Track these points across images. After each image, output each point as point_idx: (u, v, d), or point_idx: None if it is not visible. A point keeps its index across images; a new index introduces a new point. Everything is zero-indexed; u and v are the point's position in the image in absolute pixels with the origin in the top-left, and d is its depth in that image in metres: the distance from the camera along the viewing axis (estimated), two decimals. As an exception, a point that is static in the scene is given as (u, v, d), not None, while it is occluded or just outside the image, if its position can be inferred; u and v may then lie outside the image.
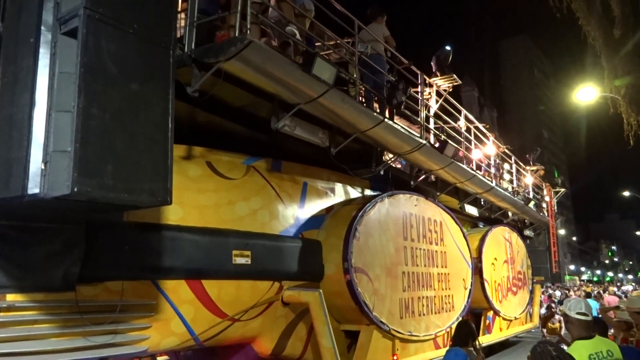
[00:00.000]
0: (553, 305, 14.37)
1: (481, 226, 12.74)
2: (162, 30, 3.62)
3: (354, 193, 7.85)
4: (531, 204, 12.51)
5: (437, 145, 7.36)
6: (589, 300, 16.87)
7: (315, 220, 6.98)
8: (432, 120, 8.03)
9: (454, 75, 8.44)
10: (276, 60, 4.49)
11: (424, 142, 6.91)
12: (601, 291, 21.54)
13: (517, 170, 12.56)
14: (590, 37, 13.99)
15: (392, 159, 7.23)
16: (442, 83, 8.52)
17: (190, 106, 5.10)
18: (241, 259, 5.65)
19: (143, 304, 4.90)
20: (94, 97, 3.10)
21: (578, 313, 3.71)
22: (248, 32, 4.14)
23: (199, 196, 5.56)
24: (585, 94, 14.23)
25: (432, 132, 7.83)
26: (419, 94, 7.18)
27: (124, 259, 4.69)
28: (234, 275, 5.58)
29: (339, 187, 7.56)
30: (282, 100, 5.29)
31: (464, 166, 8.59)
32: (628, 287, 31.52)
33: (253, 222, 6.01)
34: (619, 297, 15.14)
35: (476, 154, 9.99)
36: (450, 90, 8.74)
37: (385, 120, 6.05)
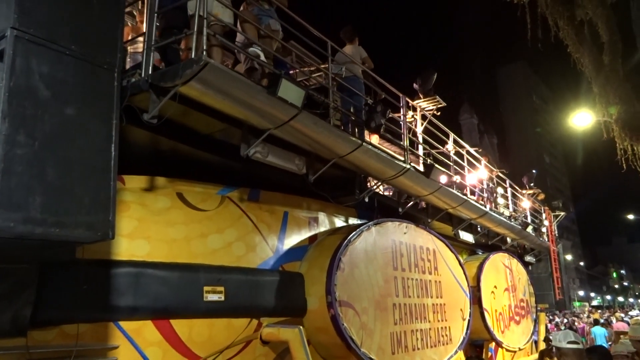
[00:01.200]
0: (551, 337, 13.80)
1: (480, 253, 12.34)
2: (105, 51, 3.39)
3: (339, 222, 7.53)
4: (529, 229, 12.13)
5: (423, 169, 7.06)
6: (597, 327, 16.31)
7: (297, 252, 6.65)
8: (420, 145, 7.77)
9: (438, 97, 8.20)
10: (237, 83, 4.25)
11: (408, 166, 6.62)
12: (611, 317, 20.92)
13: (513, 194, 12.23)
14: (579, 64, 13.95)
15: (376, 185, 6.93)
16: (425, 105, 8.30)
17: (156, 135, 4.84)
18: (213, 296, 5.30)
19: (103, 348, 4.54)
20: (20, 123, 2.84)
21: (570, 342, 3.67)
22: (204, 53, 3.91)
23: (167, 229, 5.26)
24: (581, 118, 14.05)
25: (418, 155, 7.55)
26: (402, 116, 6.93)
27: (81, 300, 4.37)
28: (205, 313, 5.22)
29: (322, 216, 7.24)
30: (251, 126, 5.04)
31: (454, 191, 8.28)
32: (635, 312, 30.69)
33: (227, 255, 5.68)
34: (628, 323, 14.58)
35: (468, 178, 9.68)
36: (437, 113, 8.52)
37: (364, 144, 5.77)
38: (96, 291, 4.47)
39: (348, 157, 5.93)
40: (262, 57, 5.09)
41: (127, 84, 4.22)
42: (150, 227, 5.13)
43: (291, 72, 7.63)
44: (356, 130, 6.26)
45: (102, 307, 4.55)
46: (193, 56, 3.96)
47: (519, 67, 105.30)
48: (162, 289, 4.92)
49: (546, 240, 14.39)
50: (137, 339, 4.76)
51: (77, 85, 3.19)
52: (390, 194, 8.81)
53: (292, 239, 6.63)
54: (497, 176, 11.28)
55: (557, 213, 16.04)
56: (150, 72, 4.21)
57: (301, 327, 5.67)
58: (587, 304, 73.25)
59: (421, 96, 8.19)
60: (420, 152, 8.30)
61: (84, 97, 3.22)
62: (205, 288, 5.26)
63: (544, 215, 14.44)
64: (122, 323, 4.69)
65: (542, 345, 9.31)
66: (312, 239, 6.95)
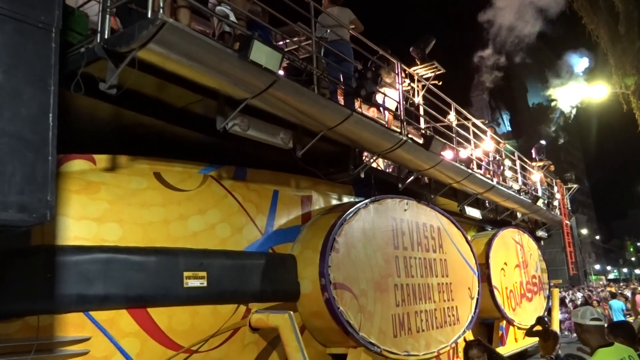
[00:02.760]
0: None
1: (489, 230, 11.88)
2: (39, 9, 2.96)
3: (335, 201, 7.10)
4: (540, 202, 11.61)
5: (422, 141, 6.58)
6: (615, 300, 15.82)
7: (289, 233, 6.25)
8: (419, 116, 7.25)
9: (436, 63, 7.66)
10: (203, 45, 3.80)
11: (404, 137, 6.15)
12: (628, 292, 20.40)
13: (522, 167, 11.69)
14: (594, 35, 13.29)
15: (373, 159, 6.47)
16: (423, 72, 7.77)
17: (119, 108, 4.43)
18: (195, 281, 4.93)
19: (72, 340, 4.19)
20: None
21: (593, 319, 3.61)
22: (161, 11, 3.46)
23: (142, 211, 4.87)
24: (597, 91, 13.43)
25: (418, 128, 7.07)
26: (397, 85, 6.44)
27: (42, 290, 4.02)
28: (186, 300, 4.86)
29: (316, 194, 6.81)
30: (227, 96, 4.60)
31: (457, 164, 7.79)
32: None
33: (210, 238, 5.29)
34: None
35: (473, 151, 9.18)
36: (438, 83, 7.99)
37: (354, 114, 5.31)
38: (59, 280, 4.10)
39: (338, 129, 5.48)
40: (232, 18, 4.63)
41: (84, 51, 3.83)
42: (123, 210, 4.74)
43: (281, 43, 7.17)
44: (346, 99, 5.79)
45: (66, 297, 4.19)
46: (149, 16, 3.51)
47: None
48: (137, 275, 4.55)
49: (558, 214, 13.86)
50: (111, 330, 4.41)
51: (6, 47, 2.78)
52: (391, 170, 8.34)
53: (283, 219, 6.23)
54: (505, 148, 10.74)
55: (569, 186, 15.46)
56: (107, 37, 3.78)
57: (291, 312, 5.29)
58: (603, 277, 72.48)
59: (418, 63, 7.67)
60: (422, 124, 7.83)
61: (14, 60, 2.80)
62: (186, 273, 4.89)
63: (555, 189, 13.90)
64: (93, 313, 4.34)
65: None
66: (305, 218, 6.54)
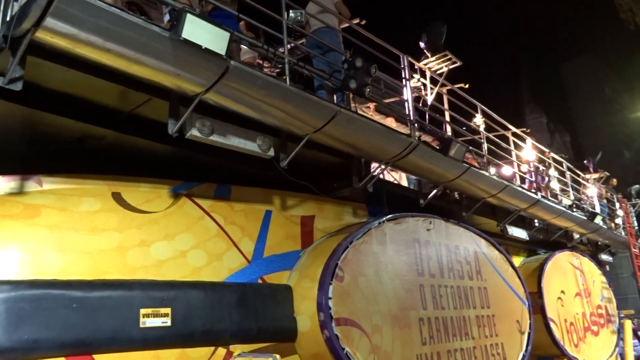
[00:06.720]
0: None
1: (541, 254, 10.46)
2: None
3: (343, 222, 6.12)
4: (598, 220, 10.13)
5: (435, 145, 5.56)
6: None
7: (284, 259, 5.33)
8: (426, 116, 6.16)
9: (449, 53, 6.63)
10: (119, 20, 3.03)
11: (414, 140, 5.15)
12: None
13: (574, 180, 10.29)
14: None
15: (381, 169, 5.49)
16: (435, 65, 6.76)
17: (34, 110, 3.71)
18: (154, 320, 4.07)
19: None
20: None
21: None
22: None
23: (91, 238, 4.10)
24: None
25: (428, 128, 6.03)
26: (404, 80, 5.50)
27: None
28: (143, 343, 4.00)
29: (320, 215, 5.87)
30: (178, 93, 3.82)
31: (487, 173, 6.66)
32: None
33: (179, 267, 4.46)
34: None
35: (513, 162, 8.01)
36: (463, 84, 6.96)
37: (342, 110, 4.39)
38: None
39: (328, 131, 4.58)
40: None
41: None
42: (66, 236, 3.99)
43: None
44: (336, 95, 4.92)
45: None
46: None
47: (586, 60, 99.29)
48: (76, 315, 3.74)
49: (623, 234, 12.21)
50: (44, 384, 3.59)
51: None
52: (414, 186, 7.31)
53: (277, 244, 5.31)
54: (552, 158, 9.43)
55: (634, 202, 13.76)
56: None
57: (277, 355, 4.31)
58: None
59: (429, 55, 6.68)
60: (449, 129, 6.78)
61: None
62: (143, 311, 4.05)
63: (617, 205, 12.29)
64: (22, 363, 3.54)
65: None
66: (305, 243, 5.61)
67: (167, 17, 4.21)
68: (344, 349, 4.85)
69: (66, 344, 3.69)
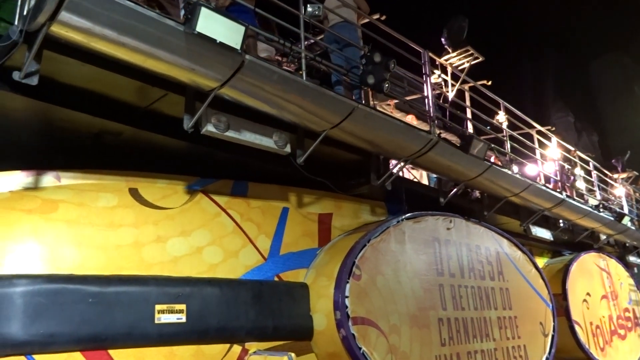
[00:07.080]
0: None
1: (566, 255, 10.22)
2: None
3: (362, 220, 6.05)
4: (626, 221, 9.84)
5: (457, 142, 5.45)
6: None
7: (302, 257, 5.29)
8: (447, 112, 6.01)
9: (471, 49, 6.48)
10: (132, 14, 3.01)
11: (434, 137, 5.05)
12: None
13: (601, 179, 10.01)
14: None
15: (400, 166, 5.40)
16: (457, 61, 6.62)
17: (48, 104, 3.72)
18: (169, 317, 4.06)
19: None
20: None
21: None
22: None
23: (107, 234, 4.11)
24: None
25: (449, 125, 5.92)
26: (424, 76, 5.40)
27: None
28: (158, 339, 3.99)
29: (338, 213, 5.81)
30: (195, 89, 3.81)
31: (510, 172, 6.50)
32: None
33: (195, 264, 4.44)
34: None
35: (537, 162, 7.82)
36: (485, 81, 6.80)
37: (359, 106, 4.32)
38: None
39: (345, 127, 4.51)
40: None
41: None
42: (83, 232, 4.01)
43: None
44: (354, 91, 4.85)
45: (3, 337, 3.45)
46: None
47: (615, 57, 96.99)
48: (92, 310, 3.75)
49: (652, 235, 11.84)
50: (60, 378, 3.61)
51: None
52: (434, 184, 7.19)
53: (294, 242, 5.27)
54: (579, 157, 9.18)
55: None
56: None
57: (292, 354, 4.27)
58: None
59: (450, 51, 6.55)
60: (470, 126, 6.65)
61: None
62: (158, 307, 4.04)
63: (645, 205, 11.93)
64: (37, 357, 3.56)
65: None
66: (323, 240, 5.55)
67: (183, 13, 4.19)
68: (360, 348, 4.78)
69: (82, 339, 3.70)
